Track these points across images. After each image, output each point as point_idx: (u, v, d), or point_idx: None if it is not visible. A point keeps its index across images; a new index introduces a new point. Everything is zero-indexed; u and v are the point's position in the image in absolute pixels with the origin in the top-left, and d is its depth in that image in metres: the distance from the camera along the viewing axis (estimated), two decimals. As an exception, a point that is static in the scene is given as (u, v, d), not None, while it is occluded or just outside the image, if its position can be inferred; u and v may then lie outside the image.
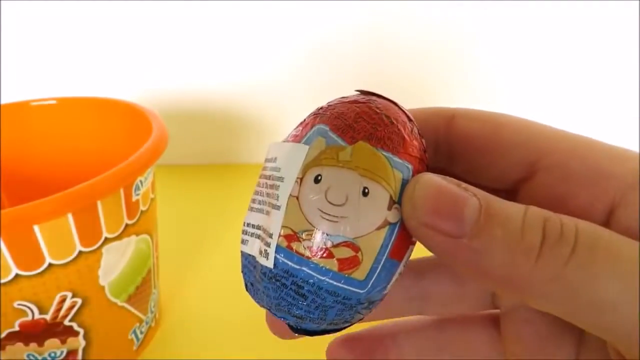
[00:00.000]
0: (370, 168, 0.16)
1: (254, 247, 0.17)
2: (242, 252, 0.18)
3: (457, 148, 0.19)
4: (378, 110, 0.17)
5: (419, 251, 0.17)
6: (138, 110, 0.36)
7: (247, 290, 0.18)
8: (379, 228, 0.16)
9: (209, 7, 0.54)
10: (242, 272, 0.18)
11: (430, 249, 0.15)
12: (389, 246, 0.16)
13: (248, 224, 0.18)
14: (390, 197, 0.16)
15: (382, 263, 0.16)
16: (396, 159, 0.16)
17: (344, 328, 0.18)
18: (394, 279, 0.17)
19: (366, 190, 0.16)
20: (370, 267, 0.16)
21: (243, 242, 0.18)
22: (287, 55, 0.55)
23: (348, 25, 0.54)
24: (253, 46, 0.55)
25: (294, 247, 0.16)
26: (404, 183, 0.16)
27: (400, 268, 0.17)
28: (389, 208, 0.16)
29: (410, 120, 0.17)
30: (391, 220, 0.16)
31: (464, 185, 0.15)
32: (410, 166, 0.16)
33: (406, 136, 0.17)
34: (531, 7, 0.53)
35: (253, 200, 0.18)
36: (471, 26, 0.53)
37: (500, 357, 0.21)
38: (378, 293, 0.17)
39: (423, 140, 0.17)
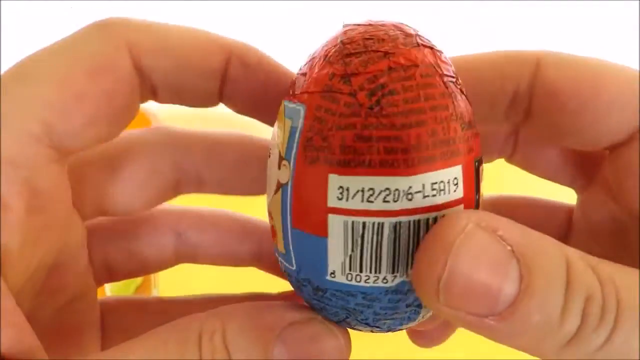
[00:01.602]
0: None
1: None
2: None
3: (540, 103, 0.16)
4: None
5: None
6: (146, 118, 0.37)
7: None
8: (275, 191, 0.14)
9: (210, 7, 0.54)
10: None
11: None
12: (288, 213, 0.13)
13: None
14: (279, 153, 0.14)
15: (289, 234, 0.14)
16: (290, 104, 0.14)
17: (344, 323, 0.15)
18: (331, 261, 0.13)
19: (269, 153, 0.14)
20: (282, 237, 0.14)
21: None
22: (289, 56, 0.55)
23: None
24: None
25: None
26: (293, 131, 0.13)
27: (333, 246, 0.13)
28: (279, 166, 0.13)
29: (341, 43, 0.14)
30: (282, 180, 0.13)
31: (501, 232, 0.12)
32: (301, 106, 0.13)
33: (307, 69, 0.14)
34: (532, 7, 0.53)
35: None
36: (471, 26, 0.53)
37: None
38: (318, 278, 0.14)
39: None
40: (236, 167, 0.19)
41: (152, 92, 0.16)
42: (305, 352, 0.14)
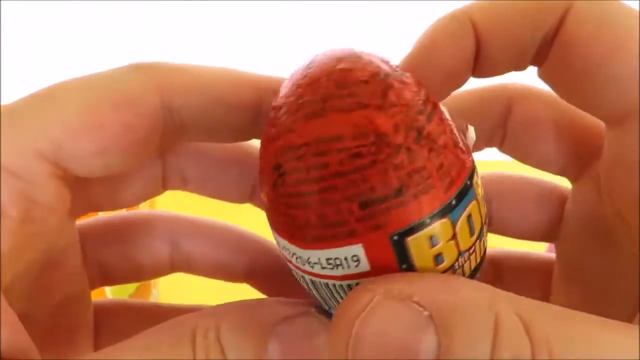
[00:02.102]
0: None
1: None
2: None
3: (556, 54, 0.16)
4: None
5: None
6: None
7: None
8: None
9: (212, 7, 0.54)
10: None
11: None
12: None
13: None
14: None
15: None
16: None
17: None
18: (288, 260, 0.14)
19: None
20: None
21: None
22: (290, 57, 0.55)
23: (349, 28, 0.54)
24: (255, 48, 0.55)
25: None
26: None
27: (282, 250, 0.14)
28: None
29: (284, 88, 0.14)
30: None
31: (417, 297, 0.12)
32: None
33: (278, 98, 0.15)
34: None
35: None
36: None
37: None
38: None
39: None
40: (219, 167, 0.19)
41: (183, 131, 0.17)
42: (299, 347, 0.14)
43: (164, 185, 0.19)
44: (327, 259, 0.13)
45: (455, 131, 0.14)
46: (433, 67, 0.16)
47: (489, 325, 0.12)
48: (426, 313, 0.12)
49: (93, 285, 0.19)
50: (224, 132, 0.17)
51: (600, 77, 0.15)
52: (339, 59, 0.13)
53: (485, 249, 0.15)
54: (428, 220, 0.13)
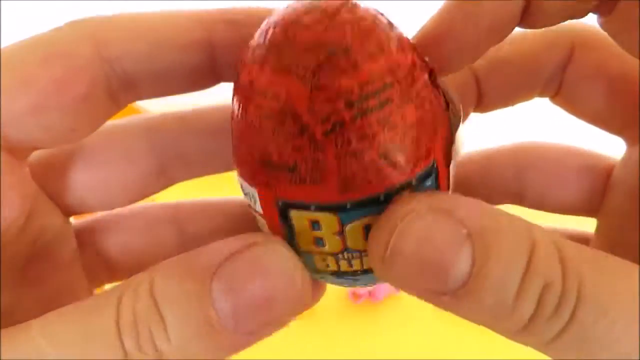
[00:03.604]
0: None
1: None
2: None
3: (631, 8, 0.14)
4: None
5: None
6: (137, 111, 0.36)
7: None
8: None
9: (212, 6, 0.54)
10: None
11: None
12: None
13: None
14: None
15: None
16: None
17: None
18: None
19: None
20: None
21: None
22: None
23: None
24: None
25: None
26: None
27: None
28: None
29: None
30: None
31: (459, 214, 0.12)
32: None
33: None
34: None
35: None
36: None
37: None
38: None
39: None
40: (219, 138, 0.17)
41: (131, 85, 0.15)
42: (247, 283, 0.12)
43: (166, 176, 0.18)
44: (245, 193, 0.14)
45: (395, 145, 0.13)
46: (468, 25, 0.15)
47: (525, 249, 0.12)
48: (465, 231, 0.12)
49: (100, 282, 0.18)
50: (179, 78, 0.15)
51: None
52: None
53: None
54: (312, 207, 0.13)
